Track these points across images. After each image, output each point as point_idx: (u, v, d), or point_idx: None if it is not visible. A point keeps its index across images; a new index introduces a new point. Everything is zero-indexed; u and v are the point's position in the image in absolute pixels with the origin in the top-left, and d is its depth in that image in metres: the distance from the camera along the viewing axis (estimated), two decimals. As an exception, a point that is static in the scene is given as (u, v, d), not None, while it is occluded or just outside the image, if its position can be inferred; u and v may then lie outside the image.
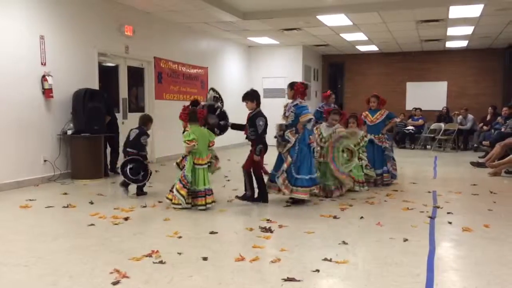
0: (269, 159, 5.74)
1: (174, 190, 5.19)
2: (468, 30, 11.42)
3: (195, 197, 5.21)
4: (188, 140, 5.11)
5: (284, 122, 5.58)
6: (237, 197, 5.62)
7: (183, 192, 5.11)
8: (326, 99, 7.77)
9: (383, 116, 6.91)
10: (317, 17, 9.80)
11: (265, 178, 5.59)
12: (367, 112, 7.04)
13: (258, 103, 5.55)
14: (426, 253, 3.68)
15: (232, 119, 5.91)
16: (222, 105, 5.83)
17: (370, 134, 6.75)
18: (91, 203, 5.54)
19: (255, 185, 5.54)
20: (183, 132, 5.32)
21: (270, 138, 5.54)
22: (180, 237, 4.10)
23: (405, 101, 15.26)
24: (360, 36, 12.24)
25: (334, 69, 16.53)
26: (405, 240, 4.04)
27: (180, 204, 5.14)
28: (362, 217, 4.88)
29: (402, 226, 4.56)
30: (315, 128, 5.97)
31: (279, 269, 3.30)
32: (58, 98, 7.12)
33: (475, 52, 14.52)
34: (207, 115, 5.46)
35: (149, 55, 9.55)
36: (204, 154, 5.28)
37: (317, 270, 3.25)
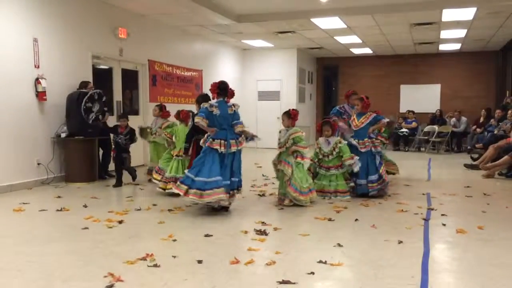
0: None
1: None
2: (461, 33, 11.50)
3: (165, 182, 6.13)
4: (165, 132, 6.50)
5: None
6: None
7: (157, 176, 6.40)
8: (347, 99, 7.31)
9: (368, 120, 6.24)
10: (311, 20, 9.83)
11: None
12: (354, 116, 6.43)
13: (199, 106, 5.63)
14: (420, 255, 3.69)
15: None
16: None
17: (354, 139, 6.26)
18: (85, 206, 5.51)
19: None
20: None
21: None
22: (174, 240, 4.09)
23: (399, 103, 15.34)
24: (354, 39, 12.29)
25: (329, 71, 16.60)
26: (400, 242, 4.05)
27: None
28: (357, 220, 4.89)
29: (396, 228, 4.57)
30: (279, 132, 5.82)
31: (274, 271, 3.29)
32: (51, 101, 7.09)
33: (468, 54, 14.61)
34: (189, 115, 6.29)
35: (143, 58, 9.53)
36: (179, 148, 6.13)
37: (312, 273, 3.25)
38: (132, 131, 7.13)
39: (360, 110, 6.32)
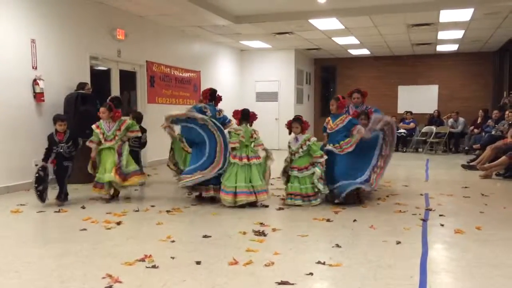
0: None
1: None
2: (459, 34, 11.53)
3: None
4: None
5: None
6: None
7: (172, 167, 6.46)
8: (350, 98, 6.82)
9: (343, 123, 5.73)
10: (309, 21, 9.84)
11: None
12: (329, 118, 5.95)
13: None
14: (419, 256, 3.70)
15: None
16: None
17: (329, 144, 5.79)
18: (83, 207, 5.51)
19: None
20: None
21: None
22: (173, 241, 4.08)
23: (397, 104, 15.37)
24: (351, 40, 12.31)
25: (326, 72, 16.62)
26: (398, 242, 4.05)
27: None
28: (355, 220, 4.89)
29: (395, 228, 4.58)
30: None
31: (273, 272, 3.29)
32: (49, 102, 7.07)
33: (465, 55, 14.66)
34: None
35: (141, 59, 9.53)
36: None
37: (311, 273, 3.25)
38: (73, 134, 5.86)
39: (335, 111, 5.85)
